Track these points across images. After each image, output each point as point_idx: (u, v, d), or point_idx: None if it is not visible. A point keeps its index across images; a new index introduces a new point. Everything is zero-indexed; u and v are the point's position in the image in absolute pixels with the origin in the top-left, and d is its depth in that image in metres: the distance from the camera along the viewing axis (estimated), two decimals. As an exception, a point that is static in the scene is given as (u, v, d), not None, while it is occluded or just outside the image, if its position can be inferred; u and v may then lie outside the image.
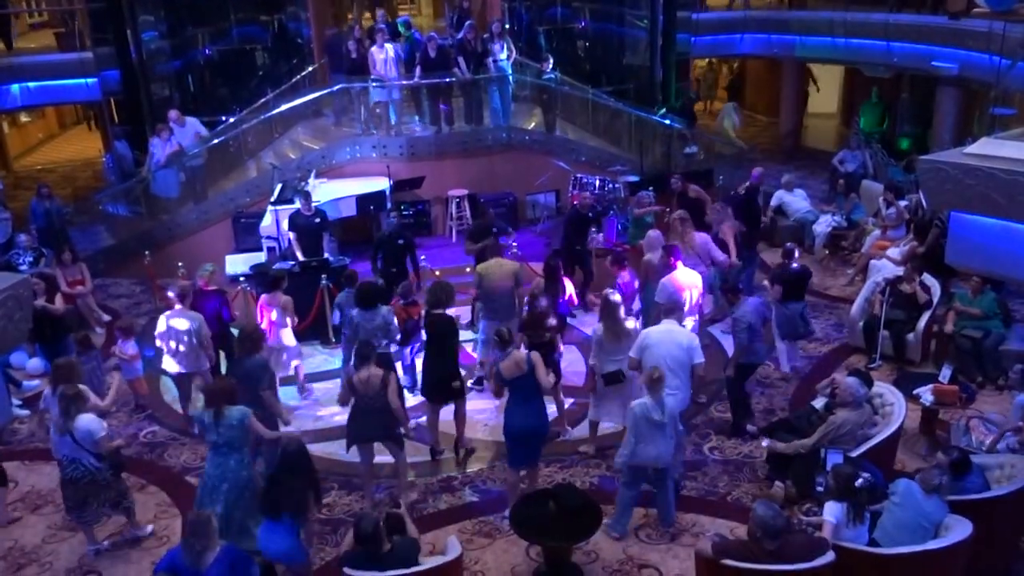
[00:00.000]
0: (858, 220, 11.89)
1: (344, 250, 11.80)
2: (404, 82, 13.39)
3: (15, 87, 14.73)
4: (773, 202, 12.33)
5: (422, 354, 8.68)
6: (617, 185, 12.58)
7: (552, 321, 7.82)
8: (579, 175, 12.85)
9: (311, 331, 9.55)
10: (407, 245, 9.69)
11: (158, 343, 7.99)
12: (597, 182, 12.56)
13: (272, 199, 11.39)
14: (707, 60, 21.45)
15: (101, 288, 11.63)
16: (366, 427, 6.67)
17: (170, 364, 7.98)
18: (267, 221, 11.15)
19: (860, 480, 5.38)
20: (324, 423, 8.38)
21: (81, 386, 6.39)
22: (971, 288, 8.66)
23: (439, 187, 13.27)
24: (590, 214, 10.50)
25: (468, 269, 11.19)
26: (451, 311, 7.61)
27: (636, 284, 8.63)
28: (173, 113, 12.73)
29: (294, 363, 8.69)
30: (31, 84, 14.83)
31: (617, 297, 7.30)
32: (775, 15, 17.39)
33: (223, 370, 8.22)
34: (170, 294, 8.09)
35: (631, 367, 6.73)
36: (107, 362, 8.97)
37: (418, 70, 13.22)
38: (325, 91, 14.25)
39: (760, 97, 20.76)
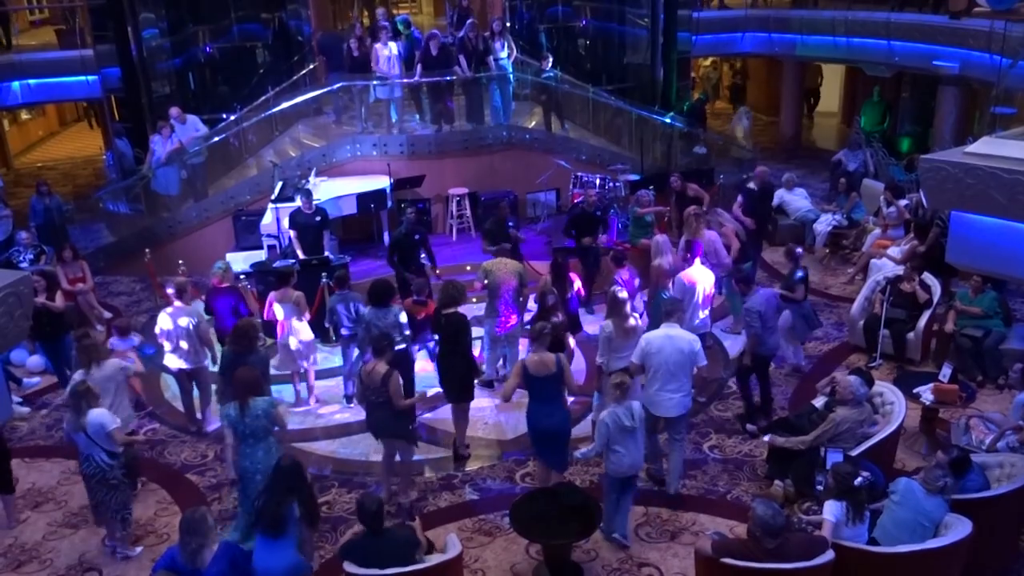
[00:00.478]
0: (859, 219, 11.87)
1: (344, 248, 11.84)
2: (406, 80, 13.39)
3: (16, 84, 14.72)
4: (774, 201, 12.31)
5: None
6: (618, 184, 12.59)
7: (559, 317, 7.83)
8: (580, 174, 12.86)
9: (312, 329, 9.49)
10: (422, 240, 9.77)
11: (160, 340, 7.97)
12: (598, 181, 12.56)
13: (273, 197, 11.39)
14: (710, 60, 21.44)
15: (102, 286, 11.62)
16: (375, 422, 6.74)
17: (172, 361, 7.97)
18: (268, 219, 11.16)
19: (860, 479, 5.38)
20: (325, 421, 8.37)
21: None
22: (972, 287, 8.65)
23: (439, 185, 13.29)
24: (597, 212, 10.51)
25: (468, 267, 11.21)
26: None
27: (636, 282, 8.64)
28: (174, 110, 12.72)
29: (304, 364, 8.58)
30: (32, 81, 14.82)
31: (624, 294, 7.31)
32: (776, 14, 17.33)
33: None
34: (168, 290, 8.08)
35: (632, 372, 6.70)
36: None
37: (419, 68, 13.22)
38: (326, 89, 14.26)
39: (761, 96, 20.75)
